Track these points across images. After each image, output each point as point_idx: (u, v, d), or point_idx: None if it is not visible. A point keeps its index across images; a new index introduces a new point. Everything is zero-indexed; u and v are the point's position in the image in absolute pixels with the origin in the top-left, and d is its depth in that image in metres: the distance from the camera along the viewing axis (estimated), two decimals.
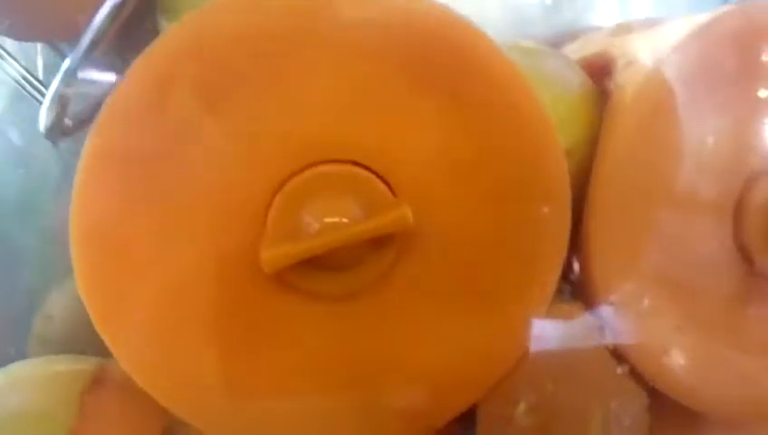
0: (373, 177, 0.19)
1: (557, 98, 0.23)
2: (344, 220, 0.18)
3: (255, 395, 0.20)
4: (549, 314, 0.20)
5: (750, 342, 0.20)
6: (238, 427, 0.20)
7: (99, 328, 0.19)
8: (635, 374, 0.20)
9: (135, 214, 0.19)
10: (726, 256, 0.20)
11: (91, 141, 0.19)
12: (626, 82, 0.22)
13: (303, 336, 0.20)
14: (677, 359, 0.20)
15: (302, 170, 0.19)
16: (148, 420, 0.22)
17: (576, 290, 0.21)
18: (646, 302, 0.20)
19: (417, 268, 0.20)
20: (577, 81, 0.23)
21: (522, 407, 0.20)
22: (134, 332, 0.19)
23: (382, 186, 0.19)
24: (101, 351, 0.20)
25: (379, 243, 0.19)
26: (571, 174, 0.21)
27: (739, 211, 0.20)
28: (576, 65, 0.24)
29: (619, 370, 0.20)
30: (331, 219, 0.18)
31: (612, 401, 0.20)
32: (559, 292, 0.21)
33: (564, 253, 0.20)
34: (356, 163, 0.19)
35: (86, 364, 0.23)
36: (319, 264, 0.19)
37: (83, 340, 0.22)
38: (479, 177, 0.20)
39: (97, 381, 0.22)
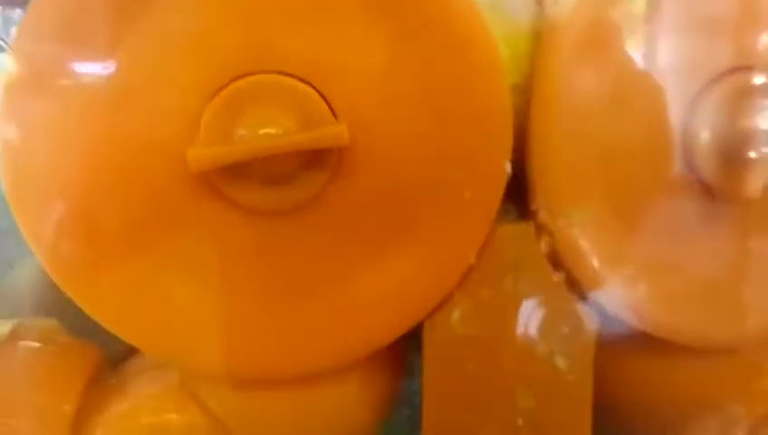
0: (313, 92, 0.19)
1: (513, 32, 0.22)
2: (278, 132, 0.18)
3: (186, 307, 0.20)
4: (493, 235, 0.20)
5: (698, 265, 0.20)
6: (166, 339, 0.20)
7: (27, 234, 0.19)
8: (584, 296, 0.20)
9: (64, 129, 0.18)
10: (675, 178, 0.20)
11: (14, 56, 0.18)
12: (554, 18, 0.22)
13: (238, 249, 0.19)
14: (622, 280, 0.20)
15: (238, 78, 0.18)
16: (67, 376, 0.22)
17: (522, 211, 0.21)
18: (589, 223, 0.20)
19: (353, 189, 0.19)
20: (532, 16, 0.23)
21: (456, 314, 0.20)
22: (64, 241, 0.19)
23: (321, 103, 0.19)
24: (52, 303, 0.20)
25: (314, 159, 0.19)
26: (524, 108, 0.21)
27: (687, 132, 0.19)
28: (532, 1, 0.23)
29: (556, 277, 0.20)
30: (265, 130, 0.18)
31: (549, 308, 0.20)
32: (505, 212, 0.21)
33: (505, 176, 0.20)
34: (297, 78, 0.18)
35: (5, 325, 0.23)
36: (252, 175, 0.18)
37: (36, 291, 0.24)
38: (420, 102, 0.19)
39: (12, 339, 0.22)
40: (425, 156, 0.20)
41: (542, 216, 0.20)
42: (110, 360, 0.24)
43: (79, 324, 0.22)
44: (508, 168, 0.20)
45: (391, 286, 0.20)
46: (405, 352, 0.23)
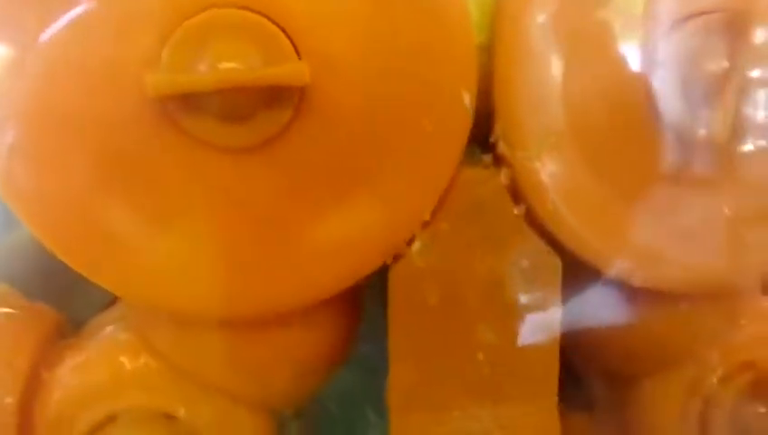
0: (277, 30, 0.18)
1: None
2: (239, 67, 0.18)
3: (143, 243, 0.19)
4: (458, 177, 0.20)
5: (667, 207, 0.20)
6: (122, 274, 0.20)
7: None
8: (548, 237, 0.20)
9: (24, 60, 0.18)
10: (639, 118, 0.19)
11: None
12: None
13: (197, 186, 0.19)
14: (582, 218, 0.20)
15: (202, 11, 0.18)
16: (21, 334, 0.22)
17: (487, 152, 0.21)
18: (548, 156, 0.20)
19: (316, 130, 0.19)
20: None
21: (416, 246, 0.20)
22: (23, 174, 0.19)
23: (285, 41, 0.18)
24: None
25: (275, 98, 0.19)
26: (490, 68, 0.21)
27: (652, 74, 0.19)
28: None
29: (516, 211, 0.20)
30: (226, 64, 0.18)
31: (508, 243, 0.20)
32: (471, 153, 0.21)
33: (470, 121, 0.20)
34: (262, 14, 0.18)
35: None
36: (212, 110, 0.18)
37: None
38: (386, 46, 0.19)
39: None
40: (389, 99, 0.20)
41: (501, 147, 0.20)
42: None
43: (59, 294, 0.23)
44: (471, 107, 0.20)
45: (354, 229, 0.20)
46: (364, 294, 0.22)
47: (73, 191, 0.19)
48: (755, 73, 0.20)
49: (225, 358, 0.21)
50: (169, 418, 0.21)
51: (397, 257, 0.20)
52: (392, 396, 0.21)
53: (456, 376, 0.21)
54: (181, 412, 0.20)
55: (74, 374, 0.21)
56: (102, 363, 0.21)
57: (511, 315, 0.20)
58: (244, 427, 0.21)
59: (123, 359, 0.21)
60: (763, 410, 0.23)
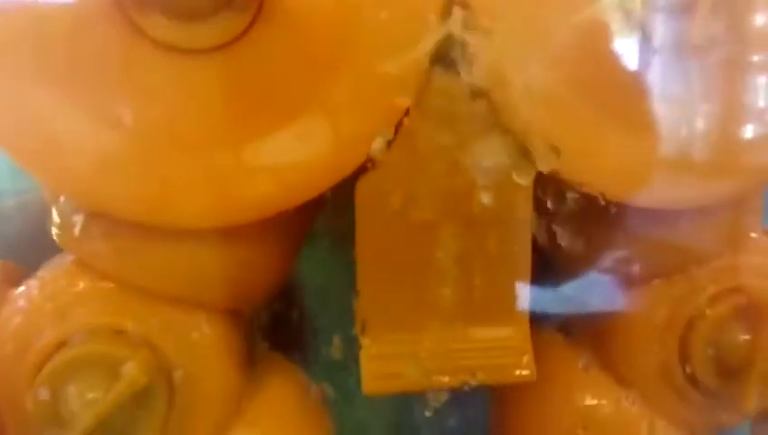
0: None
1: None
2: None
3: (92, 141, 0.19)
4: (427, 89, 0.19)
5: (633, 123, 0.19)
6: (76, 174, 0.19)
7: None
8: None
9: None
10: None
11: None
12: None
13: (152, 88, 0.19)
14: (543, 114, 0.19)
15: None
16: None
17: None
18: (510, 44, 0.19)
19: (276, 38, 0.19)
20: None
21: (378, 142, 0.19)
22: None
23: None
24: None
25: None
26: None
27: None
28: None
29: (477, 105, 0.19)
30: None
31: (471, 141, 0.19)
32: (437, 62, 0.19)
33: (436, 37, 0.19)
34: None
35: None
36: (170, 9, 0.18)
37: None
38: None
39: None
40: (354, 5, 0.19)
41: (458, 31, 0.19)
42: None
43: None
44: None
45: (306, 145, 0.19)
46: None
47: (21, 86, 0.18)
48: None
49: (168, 266, 0.20)
50: (119, 333, 0.20)
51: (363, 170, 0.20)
52: (360, 314, 0.20)
53: (422, 286, 0.20)
54: (129, 326, 0.20)
55: (22, 307, 0.21)
56: (45, 292, 0.21)
57: (474, 218, 0.19)
58: (196, 329, 0.21)
59: (63, 283, 0.21)
60: (744, 336, 0.22)
